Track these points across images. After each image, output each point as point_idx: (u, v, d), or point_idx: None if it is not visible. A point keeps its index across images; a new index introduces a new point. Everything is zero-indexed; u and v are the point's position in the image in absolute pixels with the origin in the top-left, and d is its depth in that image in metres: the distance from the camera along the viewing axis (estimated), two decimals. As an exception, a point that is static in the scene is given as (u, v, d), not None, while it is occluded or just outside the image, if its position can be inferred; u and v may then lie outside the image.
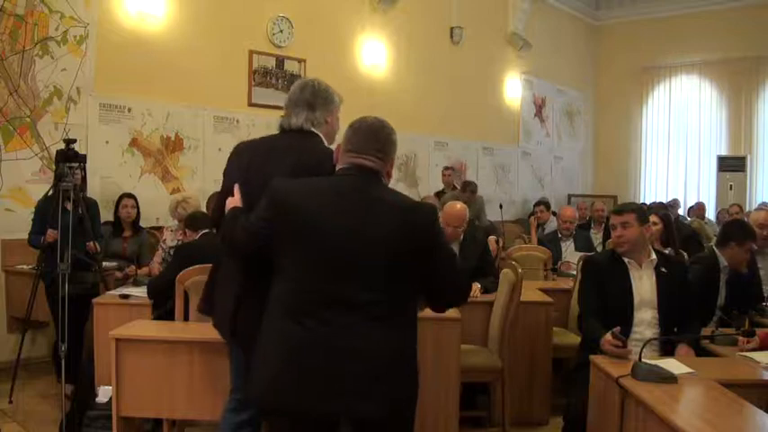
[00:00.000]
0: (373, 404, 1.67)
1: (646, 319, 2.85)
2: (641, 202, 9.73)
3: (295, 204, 1.76)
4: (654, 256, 2.94)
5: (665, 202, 9.51)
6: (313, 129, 2.17)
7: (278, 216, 1.79)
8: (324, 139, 2.20)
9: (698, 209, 8.96)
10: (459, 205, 4.07)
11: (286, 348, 1.71)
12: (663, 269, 2.91)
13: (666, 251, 3.70)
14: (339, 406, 1.67)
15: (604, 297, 2.88)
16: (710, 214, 9.39)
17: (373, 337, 1.69)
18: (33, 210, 4.41)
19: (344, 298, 1.69)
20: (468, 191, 7.30)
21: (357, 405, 1.67)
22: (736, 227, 3.60)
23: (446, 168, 7.87)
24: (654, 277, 2.90)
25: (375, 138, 1.83)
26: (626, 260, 2.91)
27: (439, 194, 7.24)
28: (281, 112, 2.23)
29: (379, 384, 1.68)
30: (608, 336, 2.53)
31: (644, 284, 2.89)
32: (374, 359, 1.68)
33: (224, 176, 2.24)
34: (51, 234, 3.88)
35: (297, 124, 2.16)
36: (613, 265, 2.93)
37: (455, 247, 3.99)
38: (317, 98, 2.18)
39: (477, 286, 3.79)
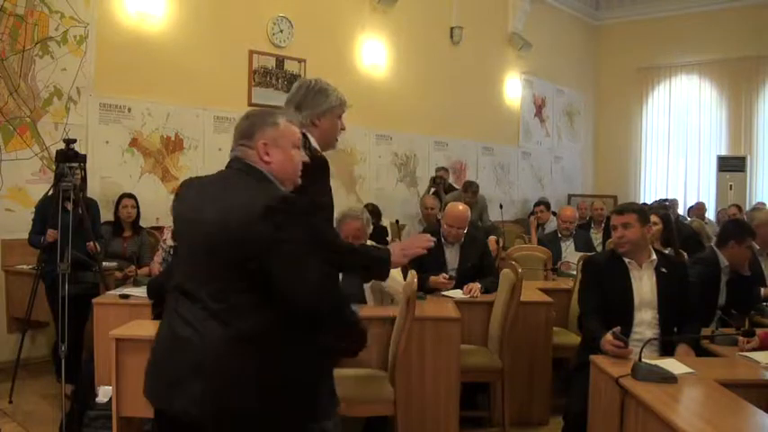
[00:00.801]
0: (186, 401, 1.58)
1: (646, 320, 2.85)
2: (642, 202, 9.73)
3: (176, 202, 1.84)
4: (654, 256, 2.94)
5: (665, 199, 9.52)
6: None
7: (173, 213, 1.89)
8: (312, 140, 2.11)
9: (698, 209, 8.96)
10: (460, 206, 4.08)
11: (158, 334, 1.75)
12: (663, 269, 2.91)
13: (666, 251, 3.70)
14: (166, 400, 1.63)
15: (604, 297, 2.88)
16: (710, 214, 9.39)
17: (202, 331, 1.59)
18: (33, 210, 4.41)
19: (190, 290, 1.65)
20: (470, 191, 7.27)
21: (173, 400, 1.61)
22: (733, 226, 3.63)
23: (439, 169, 7.85)
24: (654, 277, 2.89)
25: (241, 127, 1.75)
26: (626, 260, 2.91)
27: (436, 193, 7.22)
28: None
29: (196, 382, 1.57)
30: (608, 336, 2.53)
31: (644, 285, 2.89)
32: (198, 353, 1.58)
33: None
34: (51, 234, 3.89)
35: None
36: (613, 266, 2.93)
37: (456, 248, 4.01)
38: (306, 99, 2.12)
39: (477, 286, 3.79)
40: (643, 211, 2.98)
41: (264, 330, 1.61)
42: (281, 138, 1.73)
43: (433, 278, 3.81)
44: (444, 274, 3.86)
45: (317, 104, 2.13)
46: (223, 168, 1.78)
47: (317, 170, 1.95)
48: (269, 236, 1.56)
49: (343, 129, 2.24)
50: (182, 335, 1.62)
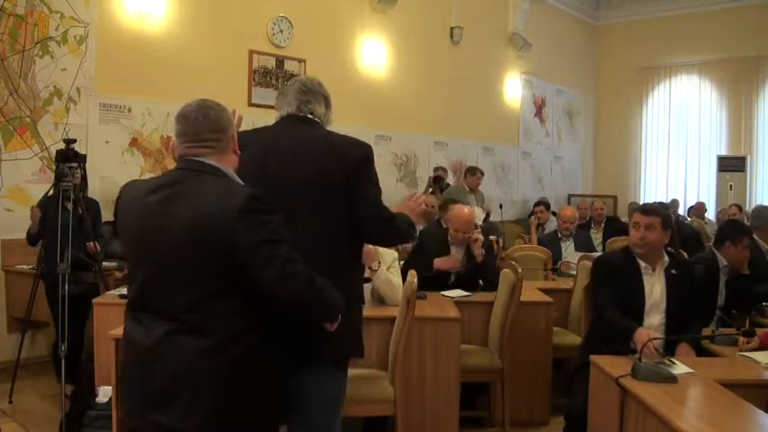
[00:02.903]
0: (171, 414, 1.56)
1: (654, 324, 2.81)
2: (642, 202, 9.73)
3: (126, 211, 1.76)
4: (666, 258, 2.92)
5: (675, 200, 9.59)
6: (321, 123, 2.13)
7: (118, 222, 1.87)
8: None
9: (698, 209, 8.97)
10: (466, 210, 4.09)
11: (124, 353, 1.72)
12: (673, 271, 2.89)
13: (667, 250, 3.70)
14: (145, 416, 1.61)
15: (616, 300, 2.84)
16: (711, 214, 9.40)
17: (179, 345, 1.56)
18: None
19: (157, 306, 1.61)
20: (479, 173, 7.31)
21: (153, 416, 1.59)
22: (729, 226, 3.64)
23: (437, 168, 7.86)
24: (664, 280, 2.87)
25: (210, 118, 1.74)
26: (642, 264, 2.88)
27: (434, 192, 7.23)
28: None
29: (182, 397, 1.55)
30: (645, 335, 2.50)
31: (656, 290, 2.86)
32: (179, 368, 1.56)
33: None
34: (36, 213, 4.09)
35: (319, 113, 2.11)
36: (626, 267, 2.89)
37: (462, 248, 4.02)
38: (329, 98, 2.17)
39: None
40: (666, 217, 2.95)
41: (243, 334, 1.59)
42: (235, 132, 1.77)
43: (437, 260, 3.92)
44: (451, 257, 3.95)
45: (331, 106, 2.19)
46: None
47: (373, 158, 2.05)
48: (248, 236, 1.53)
49: None
50: (156, 351, 1.58)
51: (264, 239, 1.55)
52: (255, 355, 1.61)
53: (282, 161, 1.99)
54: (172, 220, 1.58)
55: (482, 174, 7.53)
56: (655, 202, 8.93)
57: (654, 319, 2.83)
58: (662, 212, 2.98)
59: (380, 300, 3.43)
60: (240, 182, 1.72)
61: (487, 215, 6.86)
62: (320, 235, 1.96)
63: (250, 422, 1.62)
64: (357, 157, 2.01)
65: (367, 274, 3.41)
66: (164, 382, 1.57)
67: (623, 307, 2.80)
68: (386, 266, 3.44)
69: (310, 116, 2.09)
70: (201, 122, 1.71)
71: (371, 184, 2.04)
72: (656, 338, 2.73)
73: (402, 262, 3.86)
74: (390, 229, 2.08)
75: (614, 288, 2.86)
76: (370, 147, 2.08)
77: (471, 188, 7.35)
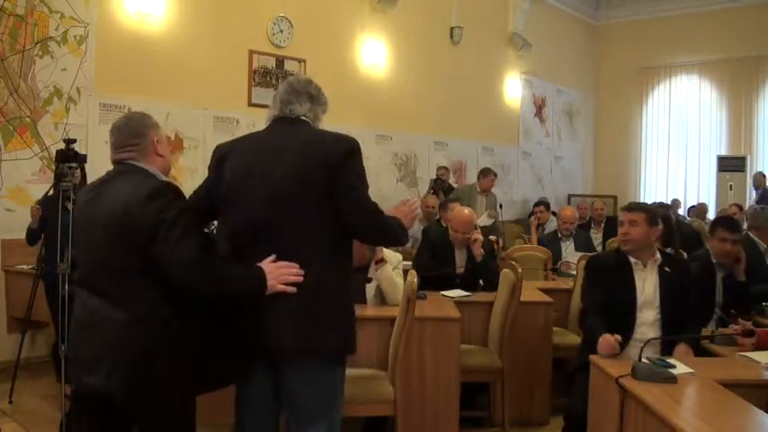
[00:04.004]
0: (96, 378, 1.82)
1: (648, 320, 2.82)
2: (643, 202, 9.73)
3: (76, 202, 2.11)
4: (658, 255, 2.93)
5: (675, 200, 9.60)
6: (309, 121, 2.12)
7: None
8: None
9: (699, 209, 8.97)
10: (466, 211, 4.13)
11: (71, 325, 2.02)
12: (666, 268, 2.90)
13: (667, 251, 3.70)
14: (79, 378, 1.91)
15: (607, 296, 2.86)
16: (711, 214, 9.40)
17: (106, 316, 1.82)
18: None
19: (92, 282, 1.90)
20: (492, 174, 7.21)
21: (85, 378, 1.87)
22: (713, 221, 3.62)
23: (440, 168, 7.85)
24: (657, 277, 2.89)
25: (129, 126, 2.00)
26: (632, 261, 2.89)
27: (436, 194, 7.21)
28: None
29: (104, 363, 1.81)
30: (609, 337, 2.52)
31: (648, 286, 2.87)
32: (104, 337, 1.82)
33: (215, 180, 2.10)
34: (36, 210, 4.15)
35: (300, 112, 2.11)
36: (618, 265, 2.91)
37: (463, 252, 4.03)
38: (319, 94, 2.17)
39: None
40: (653, 213, 2.94)
41: (159, 310, 1.82)
42: (162, 136, 2.05)
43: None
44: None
45: (324, 102, 2.20)
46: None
47: (359, 152, 2.06)
48: (152, 217, 1.78)
49: None
50: (89, 322, 1.86)
51: (163, 220, 1.78)
52: (173, 330, 1.82)
53: (269, 162, 1.99)
54: (98, 209, 1.89)
55: (495, 175, 7.31)
56: (655, 203, 8.94)
57: (648, 315, 2.84)
58: (647, 208, 2.98)
59: (381, 299, 3.43)
60: (164, 179, 1.97)
61: (495, 221, 6.82)
62: (309, 233, 1.95)
63: (168, 389, 1.82)
64: (341, 149, 2.00)
65: (370, 273, 3.42)
66: (92, 349, 1.84)
67: (616, 303, 2.82)
68: (391, 267, 3.44)
69: (295, 116, 2.10)
70: (123, 131, 1.99)
71: (356, 177, 2.01)
72: (655, 338, 2.75)
73: (409, 263, 3.89)
74: (375, 222, 2.04)
75: (606, 287, 2.87)
76: (357, 142, 2.06)
77: (484, 189, 7.15)
